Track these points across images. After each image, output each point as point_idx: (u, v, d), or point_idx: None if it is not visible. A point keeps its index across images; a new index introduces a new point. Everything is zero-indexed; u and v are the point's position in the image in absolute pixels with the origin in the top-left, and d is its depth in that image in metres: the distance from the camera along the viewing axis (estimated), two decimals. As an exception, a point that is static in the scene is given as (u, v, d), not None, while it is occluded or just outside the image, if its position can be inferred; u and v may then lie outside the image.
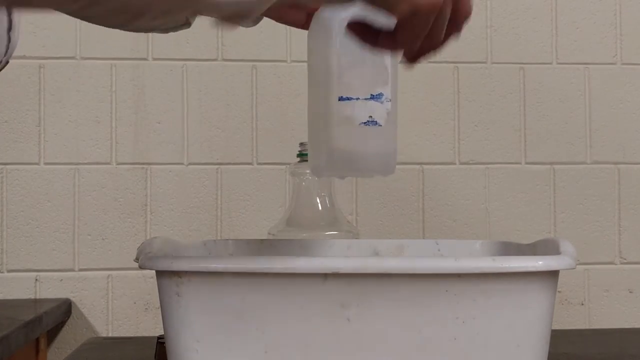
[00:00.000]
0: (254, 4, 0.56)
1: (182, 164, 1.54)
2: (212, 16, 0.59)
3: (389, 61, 0.76)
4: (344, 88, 0.74)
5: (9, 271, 1.51)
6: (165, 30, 0.75)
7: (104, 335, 1.52)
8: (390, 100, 0.75)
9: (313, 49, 0.77)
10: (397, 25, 0.62)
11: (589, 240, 1.59)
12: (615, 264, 1.59)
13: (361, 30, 0.65)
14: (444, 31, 0.64)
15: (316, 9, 0.77)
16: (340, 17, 0.74)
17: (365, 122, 0.74)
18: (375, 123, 0.75)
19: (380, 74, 0.75)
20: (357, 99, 0.74)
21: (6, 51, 0.76)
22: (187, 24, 0.77)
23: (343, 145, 0.74)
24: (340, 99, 0.74)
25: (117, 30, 0.68)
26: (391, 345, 0.65)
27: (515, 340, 0.66)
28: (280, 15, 0.81)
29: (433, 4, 0.59)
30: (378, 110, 0.75)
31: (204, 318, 0.66)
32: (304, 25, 0.81)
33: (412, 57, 0.66)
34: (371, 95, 0.75)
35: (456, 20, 0.64)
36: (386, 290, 0.65)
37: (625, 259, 1.60)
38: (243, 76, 1.56)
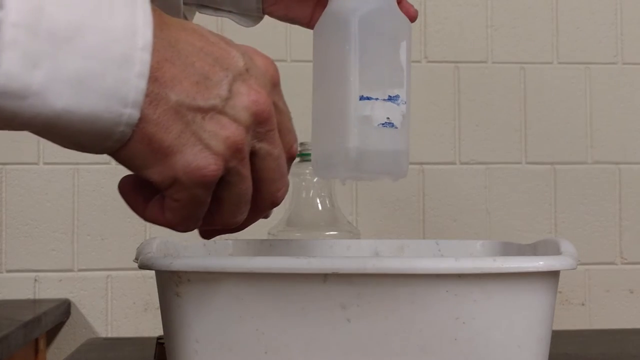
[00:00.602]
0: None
1: (181, 164, 1.54)
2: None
3: (405, 62, 0.75)
4: (365, 87, 0.73)
5: (8, 271, 1.51)
6: None
7: (104, 335, 1.51)
8: (405, 103, 0.74)
9: (324, 46, 0.76)
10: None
11: (589, 240, 1.58)
12: (616, 264, 1.59)
13: (133, 190, 0.49)
14: (243, 213, 0.50)
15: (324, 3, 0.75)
16: (360, 12, 0.73)
17: (383, 124, 0.73)
18: (392, 125, 0.74)
19: (397, 75, 0.74)
20: (377, 99, 0.73)
21: None
22: None
23: (361, 145, 0.73)
24: (361, 98, 0.73)
25: None
26: (391, 346, 0.65)
27: (516, 341, 0.66)
28: (285, 12, 0.80)
29: (199, 176, 0.45)
30: (395, 112, 0.74)
31: (204, 318, 0.65)
32: (309, 22, 0.80)
33: (203, 233, 0.54)
34: (389, 96, 0.74)
35: (258, 207, 0.51)
36: (386, 291, 0.64)
37: (626, 259, 1.59)
38: (243, 76, 1.56)
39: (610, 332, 1.42)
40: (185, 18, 0.78)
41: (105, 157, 1.53)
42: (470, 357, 0.65)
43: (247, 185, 0.48)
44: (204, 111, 0.45)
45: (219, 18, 0.83)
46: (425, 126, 1.58)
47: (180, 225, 0.48)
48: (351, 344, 0.65)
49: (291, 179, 1.18)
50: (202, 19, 0.81)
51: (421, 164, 1.57)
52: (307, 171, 1.15)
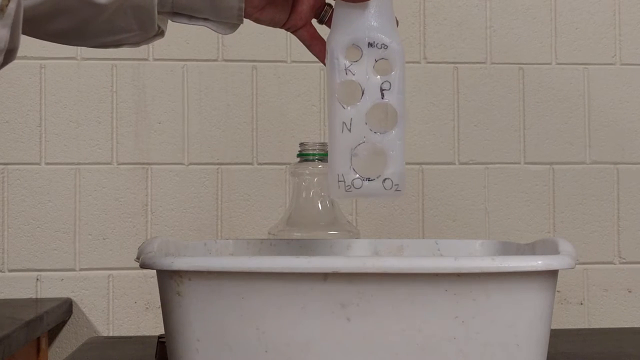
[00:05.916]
0: None
1: (182, 164, 1.55)
2: None
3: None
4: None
5: (10, 271, 1.51)
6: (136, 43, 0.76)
7: (105, 334, 1.52)
8: None
9: None
10: None
11: (588, 240, 1.59)
12: (614, 264, 1.60)
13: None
14: None
15: None
16: None
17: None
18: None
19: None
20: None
21: None
22: (160, 34, 0.78)
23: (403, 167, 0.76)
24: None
25: None
26: (391, 345, 0.65)
27: (514, 340, 0.66)
28: (272, 16, 0.81)
29: None
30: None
31: (205, 317, 0.66)
32: (285, 24, 0.82)
33: None
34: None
35: None
36: (386, 290, 0.65)
37: (624, 259, 1.60)
38: (243, 76, 1.56)
39: (608, 331, 1.43)
40: (159, 27, 0.78)
41: (106, 157, 1.54)
42: (469, 356, 0.66)
43: None
44: None
45: None
46: (425, 126, 1.58)
47: None
48: (351, 343, 0.66)
49: (291, 179, 1.19)
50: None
51: (420, 164, 1.57)
52: (307, 171, 1.15)
